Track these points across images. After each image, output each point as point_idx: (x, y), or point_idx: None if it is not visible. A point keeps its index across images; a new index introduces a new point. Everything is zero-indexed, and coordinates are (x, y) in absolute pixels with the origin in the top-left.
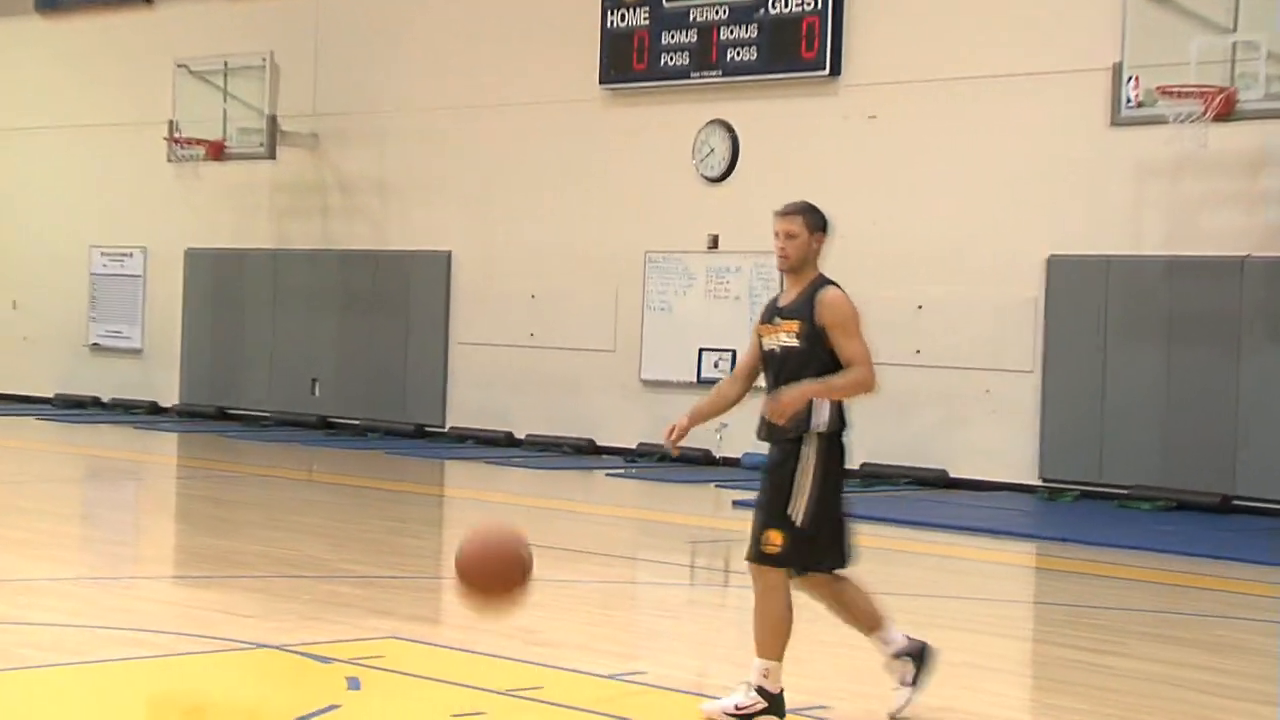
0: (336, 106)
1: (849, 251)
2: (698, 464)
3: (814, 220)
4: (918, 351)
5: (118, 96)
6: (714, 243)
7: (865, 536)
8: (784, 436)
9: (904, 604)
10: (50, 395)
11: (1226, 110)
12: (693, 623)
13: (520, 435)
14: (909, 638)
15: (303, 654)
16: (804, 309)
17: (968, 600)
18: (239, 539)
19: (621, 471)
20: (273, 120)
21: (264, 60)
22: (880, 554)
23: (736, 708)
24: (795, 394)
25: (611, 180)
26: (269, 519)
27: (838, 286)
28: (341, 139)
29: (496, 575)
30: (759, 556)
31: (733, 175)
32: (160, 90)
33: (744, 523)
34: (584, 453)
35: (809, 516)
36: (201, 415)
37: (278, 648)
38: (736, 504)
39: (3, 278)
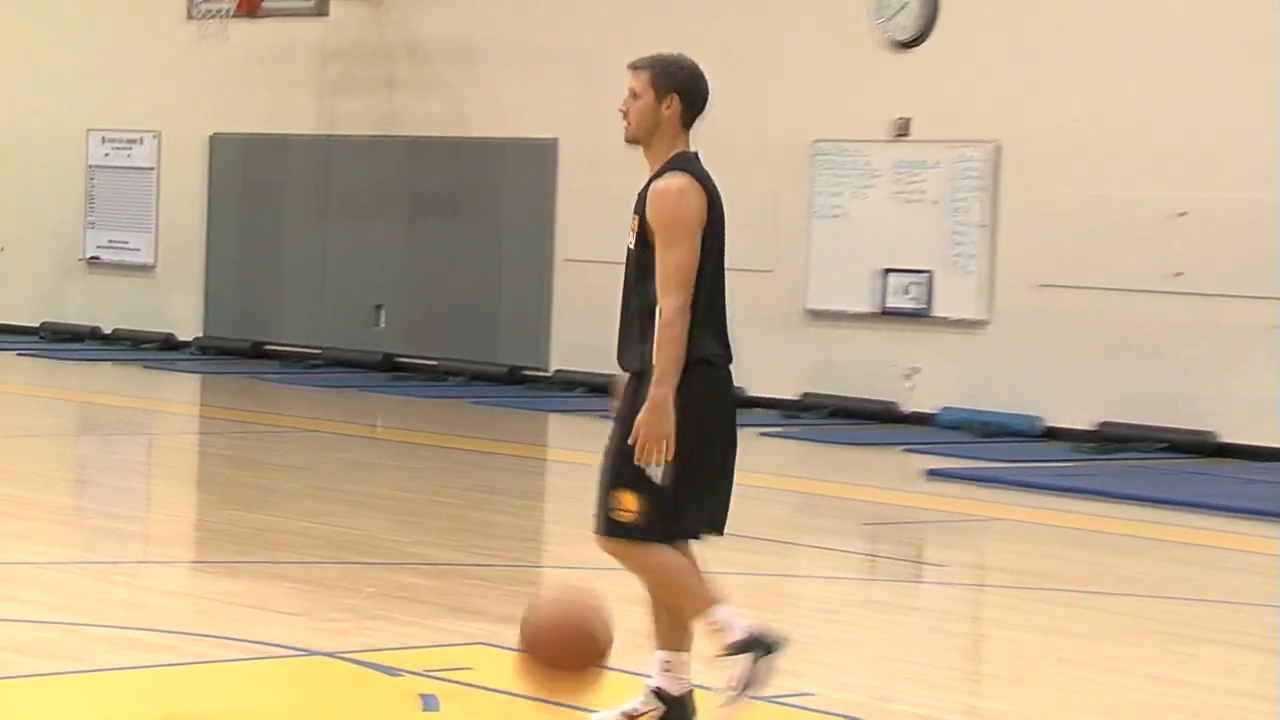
0: None
1: (1087, 142)
2: (879, 420)
3: (665, 79)
4: (1178, 274)
5: None
6: (903, 129)
7: (1104, 519)
8: (638, 366)
9: (1152, 608)
10: (35, 324)
11: None
12: (871, 629)
13: None
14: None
15: (363, 663)
16: (641, 200)
17: (1240, 606)
18: (278, 513)
19: (779, 430)
20: None
21: None
22: (1122, 542)
23: (623, 715)
24: (644, 417)
25: (768, 46)
26: (317, 488)
27: (685, 172)
28: None
29: (572, 646)
30: (609, 528)
31: (929, 39)
32: None
33: (940, 499)
34: None
35: (667, 471)
36: (230, 352)
37: (330, 655)
38: (932, 474)
39: None
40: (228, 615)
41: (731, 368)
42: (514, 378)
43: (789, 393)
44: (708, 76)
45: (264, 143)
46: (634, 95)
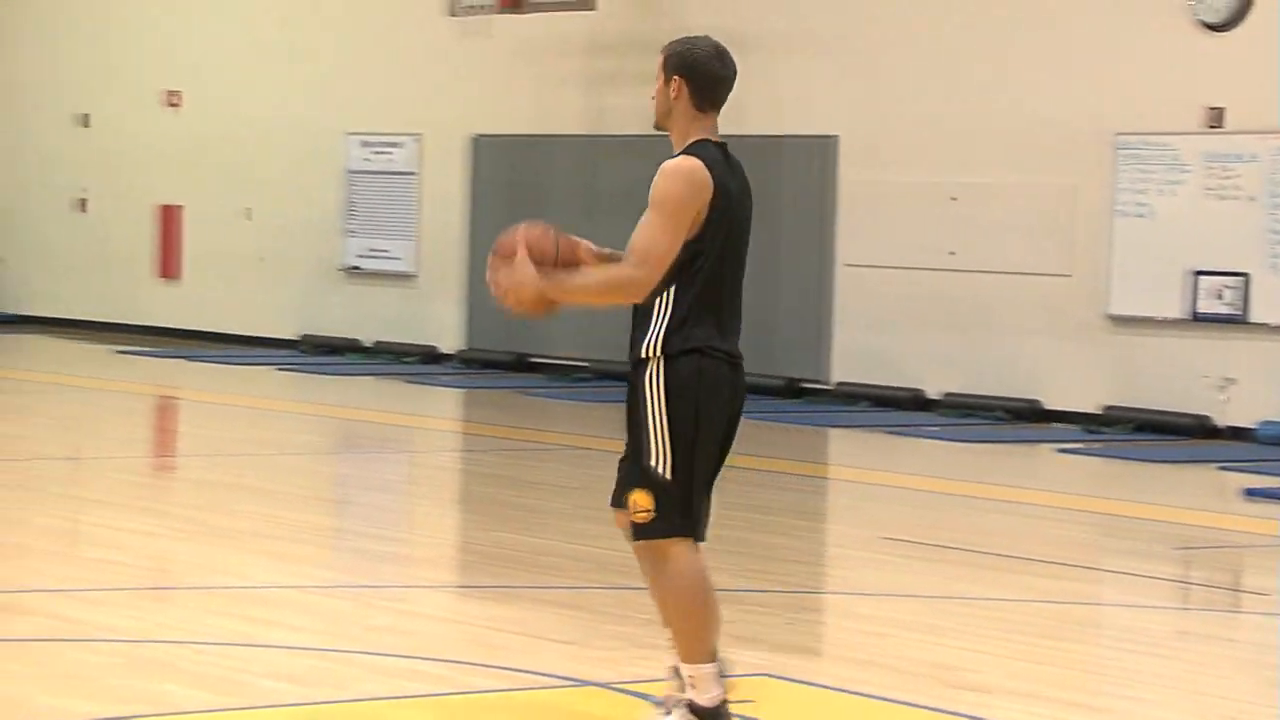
0: None
1: None
2: (1190, 435)
3: (673, 62)
4: None
5: None
6: (1216, 119)
7: None
8: (634, 358)
9: None
10: (294, 336)
11: None
12: (1183, 661)
13: (933, 394)
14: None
15: (638, 695)
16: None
17: None
18: (546, 534)
19: (1079, 446)
20: None
21: None
22: None
23: None
24: (523, 277)
25: (1062, 29)
26: (586, 507)
27: (698, 157)
28: None
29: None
30: (636, 531)
31: (1247, 19)
32: None
33: (1260, 520)
34: (1024, 419)
35: (672, 466)
36: (494, 364)
37: (604, 686)
38: (1250, 493)
39: (233, 179)
40: (496, 642)
41: (734, 364)
42: (792, 390)
43: (1090, 406)
44: (995, 62)
45: (528, 143)
46: (658, 80)
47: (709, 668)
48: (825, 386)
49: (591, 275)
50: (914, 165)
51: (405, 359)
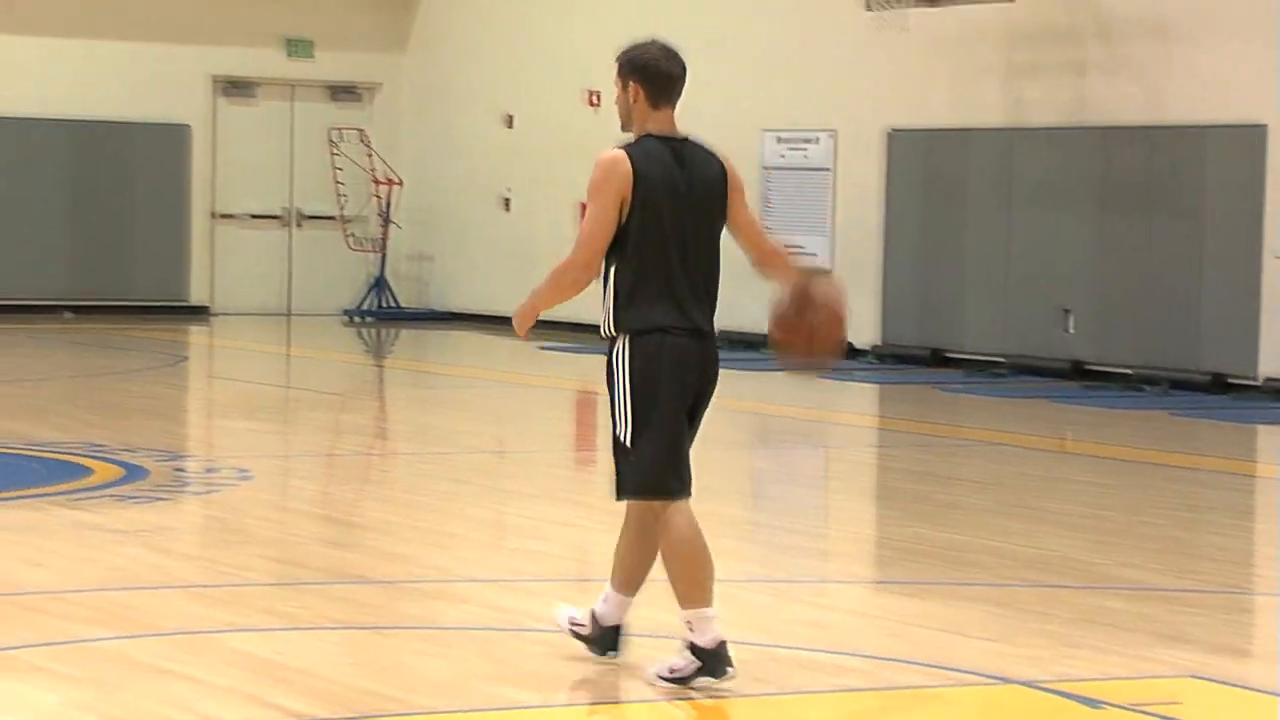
0: None
1: None
2: None
3: (625, 68)
4: None
5: None
6: None
7: None
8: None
9: None
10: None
11: None
12: None
13: None
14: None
15: (1062, 694)
16: None
17: None
18: (965, 530)
19: None
20: None
21: None
22: None
23: (671, 670)
24: (520, 308)
25: None
26: (1006, 503)
27: (625, 148)
28: None
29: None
30: (616, 491)
31: None
32: None
33: None
34: None
35: (634, 434)
36: (909, 359)
37: (1026, 684)
38: None
39: None
40: (916, 638)
41: (701, 337)
42: (1219, 385)
43: None
44: None
45: (945, 137)
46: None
47: (708, 611)
48: (1253, 382)
49: (546, 280)
50: None
51: None
